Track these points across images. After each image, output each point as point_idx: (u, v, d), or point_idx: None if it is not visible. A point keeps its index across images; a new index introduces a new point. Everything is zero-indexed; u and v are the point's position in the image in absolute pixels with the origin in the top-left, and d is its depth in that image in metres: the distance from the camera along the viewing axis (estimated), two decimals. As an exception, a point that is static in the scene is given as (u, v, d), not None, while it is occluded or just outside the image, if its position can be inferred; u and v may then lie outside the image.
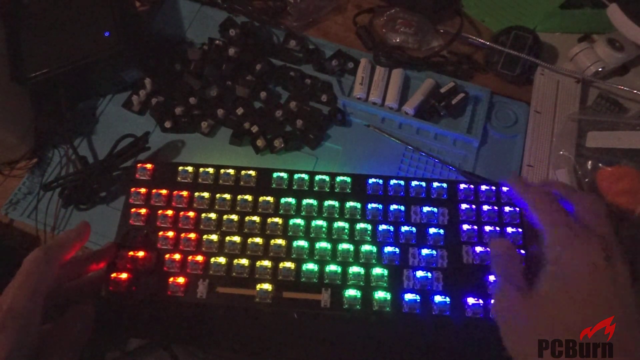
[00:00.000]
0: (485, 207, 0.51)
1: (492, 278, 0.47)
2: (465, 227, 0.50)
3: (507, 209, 0.51)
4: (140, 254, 0.49)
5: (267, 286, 0.47)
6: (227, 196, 0.52)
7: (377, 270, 0.48)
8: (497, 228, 0.50)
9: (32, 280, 0.38)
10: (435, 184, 0.52)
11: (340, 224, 0.50)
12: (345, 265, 0.48)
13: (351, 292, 0.47)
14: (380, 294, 0.47)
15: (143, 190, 0.52)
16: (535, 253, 0.47)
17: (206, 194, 0.52)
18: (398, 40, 0.68)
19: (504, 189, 0.51)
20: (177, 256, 0.49)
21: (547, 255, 0.41)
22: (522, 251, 0.48)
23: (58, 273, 0.41)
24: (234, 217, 0.51)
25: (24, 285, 0.38)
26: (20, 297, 0.37)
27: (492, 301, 0.44)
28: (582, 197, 0.45)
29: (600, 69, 0.63)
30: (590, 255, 0.39)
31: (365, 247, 0.49)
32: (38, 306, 0.38)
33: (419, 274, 0.48)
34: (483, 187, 0.52)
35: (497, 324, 0.42)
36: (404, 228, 0.50)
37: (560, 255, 0.40)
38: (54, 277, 0.41)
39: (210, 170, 0.53)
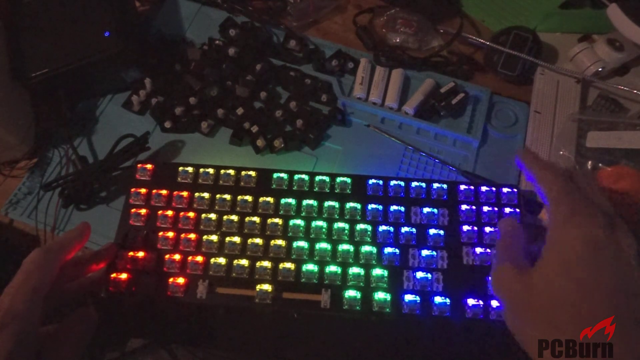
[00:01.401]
0: (486, 208, 0.51)
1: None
2: (466, 228, 0.50)
3: (507, 210, 0.51)
4: (140, 254, 0.49)
5: (267, 287, 0.47)
6: (227, 197, 0.52)
7: (377, 271, 0.48)
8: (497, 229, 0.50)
9: (31, 281, 0.38)
10: (436, 185, 0.53)
11: (341, 224, 0.50)
12: (345, 266, 0.48)
13: (351, 293, 0.47)
14: (380, 295, 0.47)
15: (143, 190, 0.52)
16: (541, 229, 0.46)
17: (206, 195, 0.52)
18: (398, 40, 0.68)
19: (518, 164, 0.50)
20: (177, 257, 0.49)
21: (549, 230, 0.40)
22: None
23: (58, 274, 0.41)
24: (234, 217, 0.51)
25: (23, 285, 0.38)
26: (20, 298, 0.37)
27: (490, 277, 0.43)
28: (587, 179, 0.44)
29: (600, 69, 0.63)
30: (591, 229, 0.37)
31: (365, 248, 0.49)
32: (38, 306, 0.38)
33: (419, 274, 0.48)
34: (483, 188, 0.52)
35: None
36: (404, 229, 0.50)
37: (562, 230, 0.39)
38: (53, 277, 0.41)
39: (211, 170, 0.53)
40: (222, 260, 0.48)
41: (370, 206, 0.51)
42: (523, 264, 0.40)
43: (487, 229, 0.50)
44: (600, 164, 0.55)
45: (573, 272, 0.36)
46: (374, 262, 0.49)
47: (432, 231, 0.50)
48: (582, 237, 0.37)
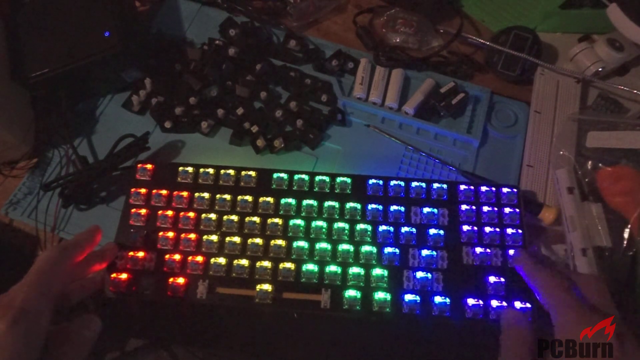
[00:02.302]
0: (486, 208, 0.51)
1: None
2: (466, 228, 0.50)
3: (507, 210, 0.51)
4: (141, 254, 0.49)
5: (267, 287, 0.47)
6: (227, 197, 0.52)
7: (377, 271, 0.48)
8: (497, 229, 0.50)
9: (45, 279, 0.38)
10: (436, 185, 0.53)
11: (341, 224, 0.50)
12: (345, 265, 0.48)
13: (351, 293, 0.47)
14: (380, 295, 0.47)
15: (143, 190, 0.52)
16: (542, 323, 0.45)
17: (206, 195, 0.52)
18: (398, 40, 0.68)
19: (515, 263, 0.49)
20: (177, 256, 0.49)
21: (557, 336, 0.40)
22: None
23: (69, 274, 0.41)
24: (234, 217, 0.51)
25: (36, 283, 0.38)
26: (32, 295, 0.37)
27: None
28: (586, 278, 0.44)
29: (600, 69, 0.63)
30: (600, 339, 0.38)
31: (365, 248, 0.49)
32: (49, 305, 0.38)
33: (419, 274, 0.48)
34: (483, 188, 0.52)
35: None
36: (404, 229, 0.50)
37: (570, 339, 0.39)
38: (65, 277, 0.41)
39: (211, 170, 0.53)
40: (222, 260, 0.48)
41: (370, 206, 0.51)
42: None
43: (487, 229, 0.50)
44: (600, 164, 0.55)
45: None
46: (374, 262, 0.49)
47: (432, 231, 0.50)
48: (592, 347, 0.37)
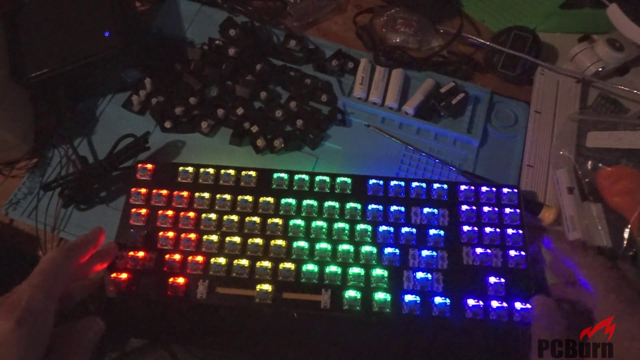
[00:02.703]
0: (486, 209, 0.51)
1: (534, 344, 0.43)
2: (466, 228, 0.50)
3: (507, 210, 0.51)
4: (141, 254, 0.49)
5: (267, 287, 0.47)
6: (228, 196, 0.52)
7: (377, 271, 0.48)
8: (498, 229, 0.50)
9: (49, 280, 0.38)
10: (436, 185, 0.53)
11: (341, 224, 0.50)
12: (345, 266, 0.48)
13: (351, 293, 0.47)
14: (380, 295, 0.47)
15: (143, 190, 0.52)
16: (581, 308, 0.45)
17: (206, 195, 0.52)
18: (398, 40, 0.68)
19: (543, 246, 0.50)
20: (177, 256, 0.49)
21: (600, 320, 0.40)
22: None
23: (72, 275, 0.41)
24: (234, 217, 0.51)
25: (41, 284, 0.38)
26: (37, 296, 0.37)
27: None
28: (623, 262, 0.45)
29: (600, 69, 0.63)
30: (600, 339, 0.38)
31: (366, 248, 0.49)
32: (54, 306, 0.38)
33: (419, 275, 0.48)
34: (483, 189, 0.52)
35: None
36: (404, 229, 0.50)
37: (615, 324, 0.38)
38: (69, 278, 0.41)
39: (211, 170, 0.53)
40: (222, 260, 0.48)
41: (371, 206, 0.51)
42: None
43: (488, 230, 0.50)
44: (600, 164, 0.55)
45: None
46: (374, 262, 0.49)
47: (432, 231, 0.50)
48: (636, 333, 0.37)
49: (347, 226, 0.50)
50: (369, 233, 0.50)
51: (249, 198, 0.52)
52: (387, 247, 0.49)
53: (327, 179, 0.53)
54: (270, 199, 0.52)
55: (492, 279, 0.47)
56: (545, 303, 0.45)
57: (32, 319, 0.35)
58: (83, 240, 0.45)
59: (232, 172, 0.53)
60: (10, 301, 0.36)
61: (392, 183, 0.53)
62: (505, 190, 0.52)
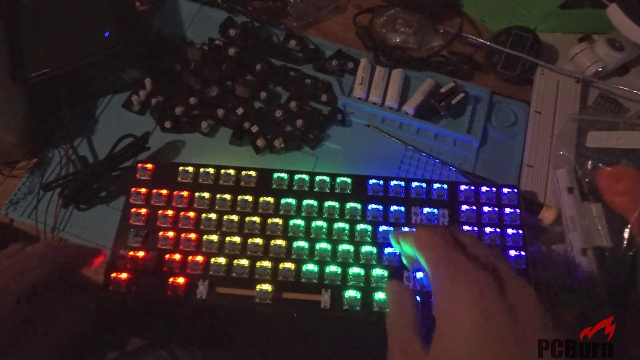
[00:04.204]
0: (486, 209, 0.51)
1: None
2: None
3: (507, 210, 0.51)
4: (141, 254, 0.49)
5: (267, 287, 0.47)
6: (228, 196, 0.52)
7: (377, 271, 0.48)
8: (498, 229, 0.50)
9: (20, 271, 0.40)
10: (436, 185, 0.53)
11: (341, 224, 0.50)
12: (345, 266, 0.48)
13: (351, 293, 0.47)
14: (380, 295, 0.47)
15: (143, 190, 0.52)
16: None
17: (206, 194, 0.52)
18: (398, 40, 0.68)
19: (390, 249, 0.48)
20: (177, 256, 0.49)
21: (433, 304, 0.34)
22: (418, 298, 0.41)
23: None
24: (234, 217, 0.51)
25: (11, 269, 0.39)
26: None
27: None
28: (470, 235, 0.39)
29: (600, 69, 0.63)
30: (474, 292, 0.32)
31: (366, 248, 0.49)
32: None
33: (419, 275, 0.48)
34: (483, 189, 0.52)
35: None
36: (405, 229, 0.50)
37: (442, 300, 0.34)
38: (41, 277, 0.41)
39: (211, 170, 0.53)
40: (222, 260, 0.48)
41: (371, 206, 0.51)
42: (415, 349, 0.34)
43: (488, 230, 0.50)
44: (600, 164, 0.55)
45: (462, 355, 0.30)
46: (374, 262, 0.49)
47: (432, 231, 0.50)
48: (465, 304, 0.32)
49: (347, 226, 0.50)
50: (369, 233, 0.50)
51: (249, 198, 0.52)
52: (387, 247, 0.49)
53: (327, 179, 0.53)
54: (270, 199, 0.52)
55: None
56: (398, 289, 0.40)
57: None
58: (80, 253, 0.46)
59: (232, 172, 0.53)
60: None
61: (392, 183, 0.53)
62: (505, 190, 0.52)
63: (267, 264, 0.48)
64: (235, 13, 0.69)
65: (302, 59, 0.66)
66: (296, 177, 0.53)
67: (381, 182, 0.53)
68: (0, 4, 0.60)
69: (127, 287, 0.47)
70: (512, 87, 0.66)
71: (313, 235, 0.50)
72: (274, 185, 0.53)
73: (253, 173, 0.53)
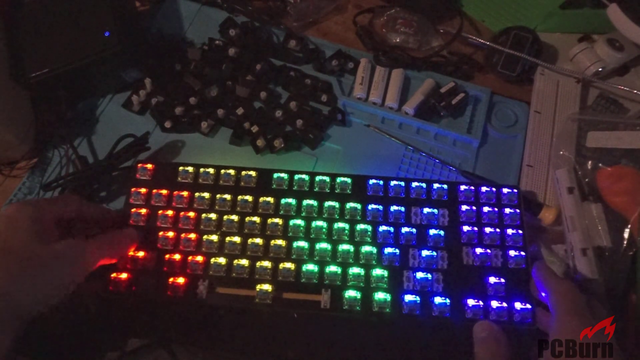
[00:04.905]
0: (486, 209, 0.51)
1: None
2: (466, 228, 0.50)
3: (507, 210, 0.51)
4: (140, 254, 0.49)
5: (267, 287, 0.47)
6: (228, 196, 0.52)
7: (377, 271, 0.48)
8: (498, 229, 0.50)
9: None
10: (436, 185, 0.53)
11: (341, 224, 0.50)
12: (345, 266, 0.48)
13: (351, 293, 0.47)
14: (380, 295, 0.47)
15: (143, 190, 0.52)
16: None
17: (206, 194, 0.52)
18: (398, 40, 0.68)
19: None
20: (177, 256, 0.49)
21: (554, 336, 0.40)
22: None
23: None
24: (234, 217, 0.51)
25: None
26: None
27: None
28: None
29: (600, 69, 0.63)
30: (600, 339, 0.39)
31: (366, 248, 0.49)
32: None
33: (419, 275, 0.48)
34: (483, 189, 0.52)
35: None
36: (404, 229, 0.50)
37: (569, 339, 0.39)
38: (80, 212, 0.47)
39: (211, 170, 0.53)
40: (222, 260, 0.48)
41: (371, 206, 0.51)
42: None
43: (488, 230, 0.50)
44: (600, 164, 0.55)
45: None
46: (374, 262, 0.49)
47: (432, 231, 0.50)
48: None
49: (347, 226, 0.50)
50: (369, 233, 0.50)
51: (249, 198, 0.52)
52: (387, 247, 0.49)
53: (327, 179, 0.53)
54: (270, 199, 0.52)
55: (492, 279, 0.47)
56: (486, 327, 0.45)
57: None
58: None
59: (232, 172, 0.53)
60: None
61: (392, 183, 0.53)
62: (505, 190, 0.52)
63: (267, 264, 0.48)
64: (235, 13, 0.69)
65: (302, 59, 0.66)
66: (296, 177, 0.53)
67: (381, 182, 0.53)
68: (0, 4, 0.60)
69: (127, 287, 0.47)
70: (512, 87, 0.66)
71: (313, 235, 0.50)
72: (274, 185, 0.53)
73: (253, 173, 0.53)
